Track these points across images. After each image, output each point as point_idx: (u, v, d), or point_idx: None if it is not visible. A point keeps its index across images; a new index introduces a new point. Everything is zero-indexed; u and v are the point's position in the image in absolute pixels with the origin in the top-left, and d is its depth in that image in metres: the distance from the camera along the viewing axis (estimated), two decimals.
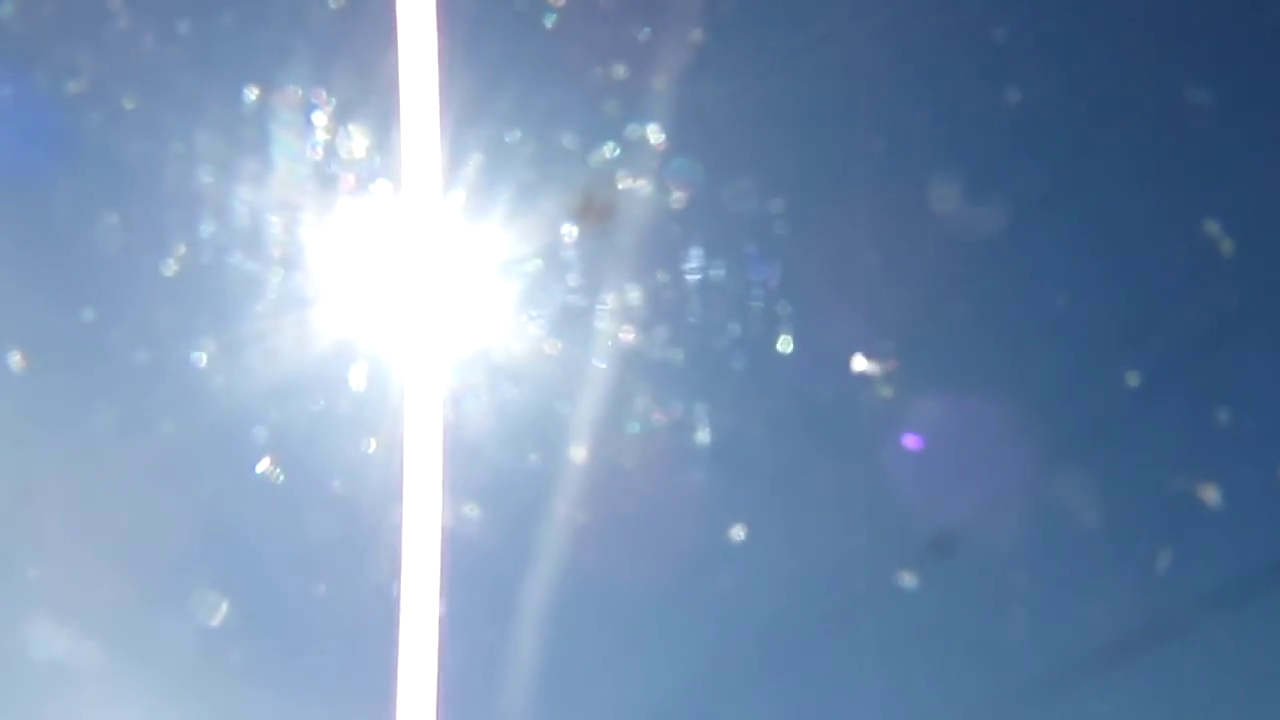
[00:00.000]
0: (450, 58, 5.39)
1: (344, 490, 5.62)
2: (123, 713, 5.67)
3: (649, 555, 5.72)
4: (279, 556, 5.66)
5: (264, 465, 5.59)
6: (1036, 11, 5.85)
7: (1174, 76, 5.85)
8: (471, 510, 5.62)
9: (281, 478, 5.62)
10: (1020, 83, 5.83)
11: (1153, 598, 5.80)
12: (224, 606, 5.57)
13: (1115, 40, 5.91)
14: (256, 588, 5.65)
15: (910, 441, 5.80)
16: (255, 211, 5.66)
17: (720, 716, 5.89)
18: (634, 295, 5.75)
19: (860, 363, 5.82)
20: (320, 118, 5.68)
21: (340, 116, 5.67)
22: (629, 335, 5.74)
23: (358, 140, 5.67)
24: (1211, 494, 5.67)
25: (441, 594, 5.20)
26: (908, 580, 5.72)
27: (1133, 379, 5.82)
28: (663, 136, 5.72)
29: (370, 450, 5.56)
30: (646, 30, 5.73)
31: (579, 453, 5.72)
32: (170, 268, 5.70)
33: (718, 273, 5.77)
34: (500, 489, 5.69)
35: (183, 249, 5.70)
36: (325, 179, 5.67)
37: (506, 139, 5.68)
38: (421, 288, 5.53)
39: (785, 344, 5.78)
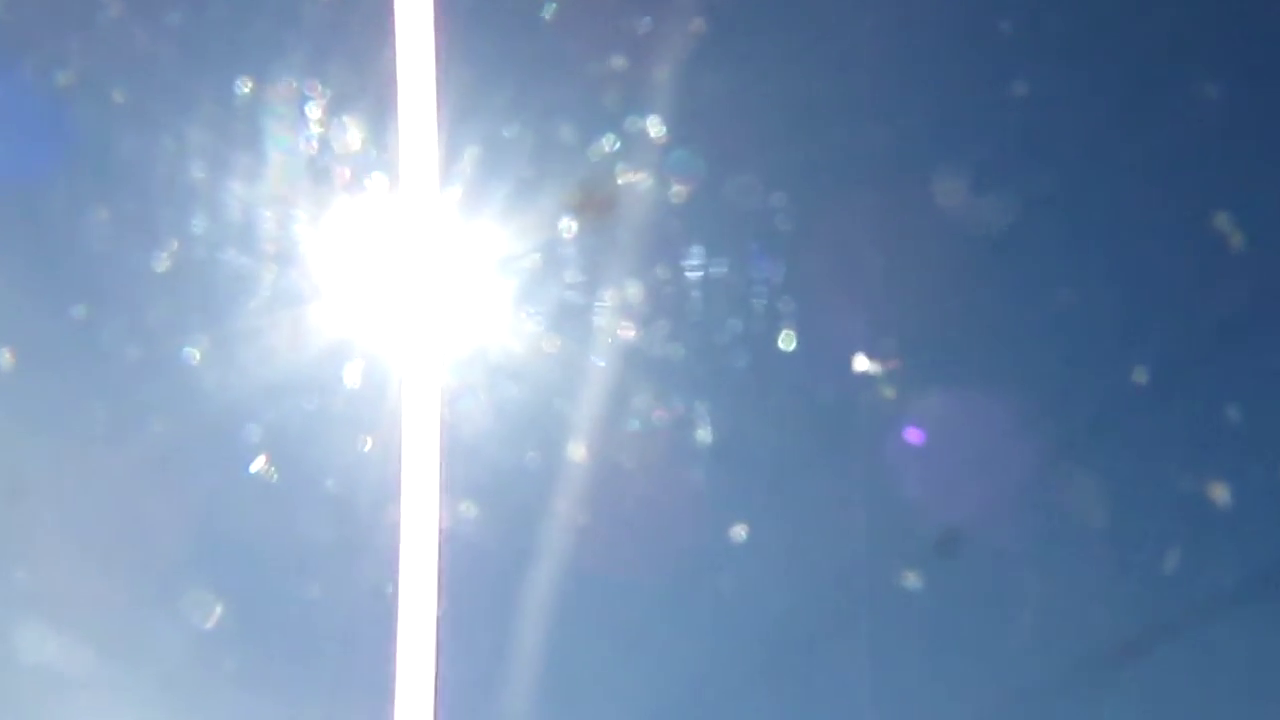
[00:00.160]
0: (448, 49, 5.34)
1: (339, 490, 5.54)
2: (113, 717, 5.58)
3: (650, 556, 5.64)
4: (273, 557, 5.59)
5: (257, 464, 5.51)
6: (1047, 2, 5.78)
7: (1187, 68, 5.81)
8: (470, 510, 5.53)
9: (275, 477, 5.54)
10: (1031, 75, 5.77)
11: (1162, 598, 5.73)
12: (217, 609, 5.48)
13: (1129, 31, 5.86)
14: (250, 589, 5.57)
15: (914, 437, 5.71)
16: (248, 206, 5.60)
17: None
18: (634, 291, 5.68)
19: (865, 361, 5.74)
20: (314, 110, 5.62)
21: (335, 109, 5.61)
22: (629, 332, 5.67)
23: (353, 134, 5.61)
24: (1222, 493, 5.60)
25: (440, 595, 5.12)
26: (914, 581, 5.65)
27: (1142, 376, 5.75)
28: (664, 130, 5.66)
29: (366, 449, 5.48)
30: (648, 21, 5.66)
31: (578, 451, 5.64)
32: (161, 263, 5.63)
33: (720, 269, 5.70)
34: (499, 488, 5.61)
35: (174, 244, 5.64)
36: (320, 173, 5.62)
37: (505, 132, 5.61)
38: (418, 284, 5.45)
39: (789, 341, 5.70)
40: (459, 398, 5.51)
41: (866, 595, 5.72)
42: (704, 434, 5.66)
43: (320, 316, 5.61)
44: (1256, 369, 5.84)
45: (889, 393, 5.72)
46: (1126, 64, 5.87)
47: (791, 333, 5.68)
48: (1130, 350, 5.78)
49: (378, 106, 5.49)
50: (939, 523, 5.69)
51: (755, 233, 5.73)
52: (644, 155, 5.66)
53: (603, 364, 5.64)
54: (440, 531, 5.17)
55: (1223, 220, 5.68)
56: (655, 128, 5.65)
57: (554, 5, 5.64)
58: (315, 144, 5.60)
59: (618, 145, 5.65)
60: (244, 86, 5.62)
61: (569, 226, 5.63)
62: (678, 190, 5.67)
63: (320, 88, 5.61)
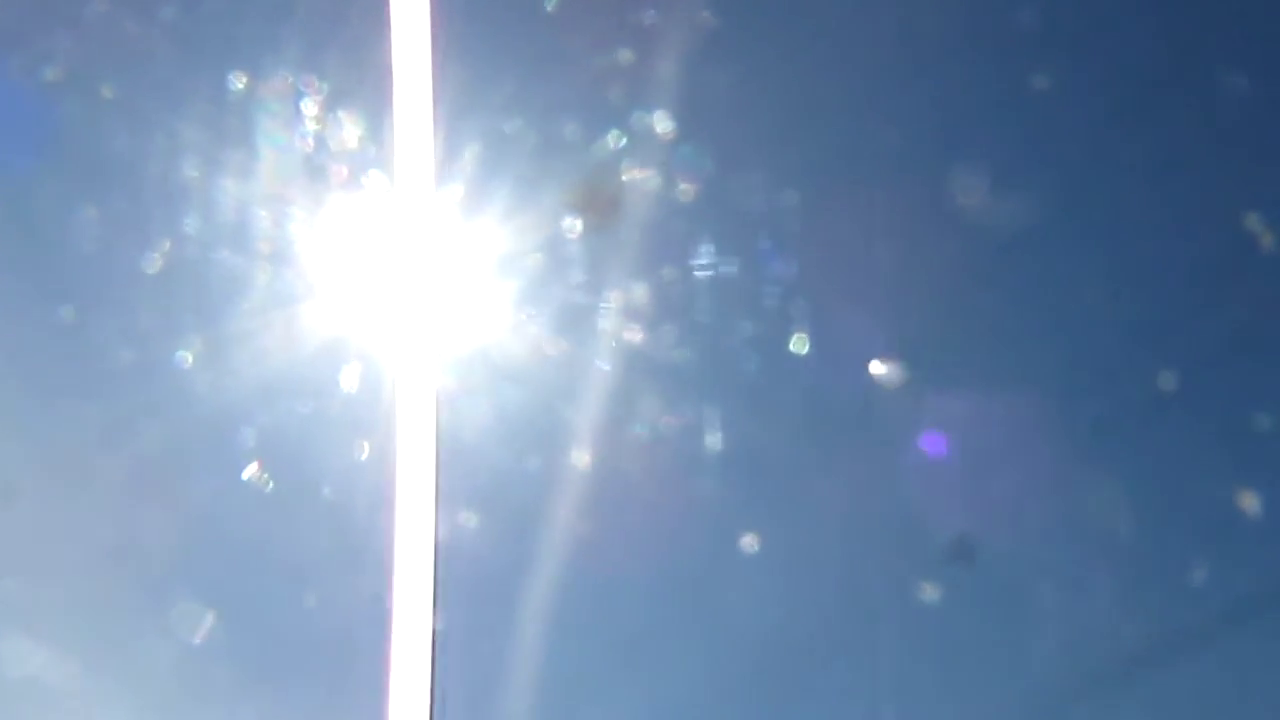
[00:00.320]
0: (445, 42, 5.22)
1: (332, 497, 5.40)
2: None
3: (657, 567, 5.52)
4: (263, 566, 5.45)
5: (248, 471, 5.35)
6: None
7: (1207, 61, 5.72)
8: (468, 519, 5.39)
9: (266, 483, 5.40)
10: (1049, 68, 5.65)
11: (1183, 608, 5.61)
12: (205, 620, 5.33)
13: (1147, 22, 5.76)
14: (239, 600, 5.41)
15: (931, 444, 5.54)
16: (239, 204, 5.48)
17: None
18: (640, 293, 5.55)
19: (879, 365, 5.61)
20: (309, 106, 5.52)
21: (330, 105, 5.50)
22: (634, 334, 5.54)
23: (348, 130, 5.51)
24: (1246, 500, 5.48)
25: (436, 608, 4.94)
26: (929, 591, 5.51)
27: (1166, 380, 5.62)
28: (671, 125, 5.53)
29: (361, 455, 5.34)
30: (653, 13, 5.55)
31: (582, 459, 5.50)
32: (151, 263, 5.51)
33: (729, 269, 5.57)
34: (498, 497, 5.48)
35: (164, 243, 5.52)
36: (314, 170, 5.50)
37: (504, 128, 5.50)
38: (415, 285, 5.30)
39: (801, 344, 5.55)
40: (456, 402, 5.38)
41: (877, 605, 5.60)
42: (712, 441, 5.52)
43: (314, 317, 5.48)
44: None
45: (903, 397, 5.60)
46: (1154, 53, 5.77)
47: (805, 335, 5.55)
48: (1156, 352, 5.68)
49: (373, 102, 5.38)
50: (953, 530, 5.55)
51: (767, 231, 5.61)
52: (649, 152, 5.54)
53: (606, 367, 5.52)
54: (436, 541, 4.99)
55: (1253, 220, 5.59)
56: (661, 123, 5.53)
57: None
58: (310, 140, 5.50)
59: (622, 141, 5.53)
60: (237, 81, 5.52)
61: (571, 225, 5.51)
62: (686, 187, 5.55)
63: (315, 82, 5.51)
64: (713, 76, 5.58)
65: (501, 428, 5.50)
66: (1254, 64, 5.68)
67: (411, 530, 5.05)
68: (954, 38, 5.69)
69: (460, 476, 5.23)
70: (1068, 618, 5.53)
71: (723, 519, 5.53)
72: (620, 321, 5.51)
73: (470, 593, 5.18)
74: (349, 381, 5.41)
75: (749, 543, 5.46)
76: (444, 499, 5.09)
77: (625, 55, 5.56)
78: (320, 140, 5.48)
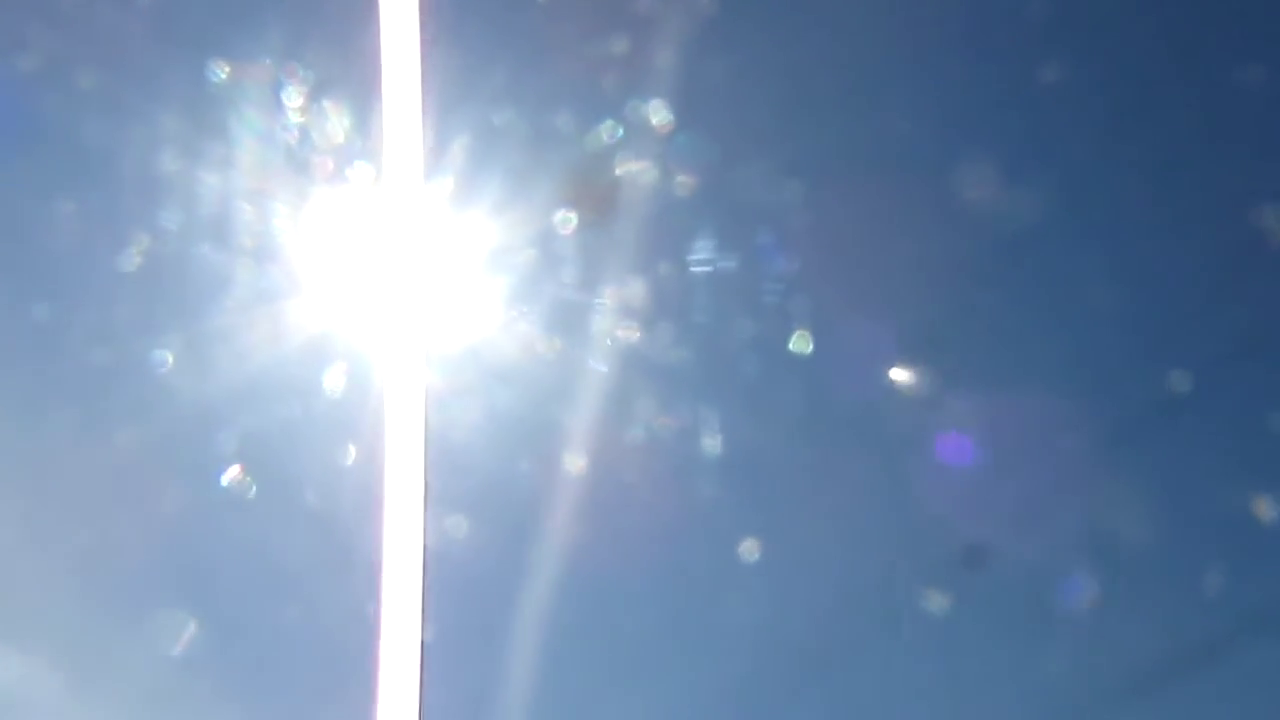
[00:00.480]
0: (435, 31, 5.04)
1: (317, 502, 5.24)
2: None
3: (654, 575, 5.38)
4: (244, 575, 5.27)
5: (230, 475, 5.18)
6: None
7: (1227, 52, 5.58)
8: (457, 525, 5.23)
9: (249, 489, 5.22)
10: (1065, 55, 5.51)
11: (1204, 617, 5.46)
12: (183, 631, 5.15)
13: (1164, 14, 5.63)
14: (218, 609, 5.23)
15: (949, 449, 5.36)
16: (221, 198, 5.31)
17: None
18: (637, 290, 5.39)
19: (894, 370, 5.49)
20: (293, 96, 5.34)
21: (315, 95, 5.33)
22: (630, 333, 5.38)
23: (334, 120, 5.33)
24: (1266, 508, 5.33)
25: (424, 618, 4.76)
26: (935, 599, 5.36)
27: (1184, 382, 5.48)
28: (668, 116, 5.36)
29: (347, 458, 5.18)
30: (648, 1, 5.38)
31: (576, 462, 5.34)
32: (129, 259, 5.35)
33: (728, 265, 5.42)
34: (489, 502, 5.32)
35: (143, 239, 5.36)
36: (299, 163, 5.33)
37: (496, 119, 5.34)
38: (404, 282, 5.15)
39: (803, 343, 5.38)
40: (447, 405, 5.23)
41: (882, 614, 5.47)
42: (713, 444, 5.37)
43: (299, 315, 5.31)
44: None
45: (914, 399, 5.47)
46: (1173, 42, 5.61)
47: (807, 334, 5.40)
48: (1174, 354, 5.55)
49: (360, 92, 5.22)
50: (959, 533, 5.42)
51: (768, 226, 5.47)
52: (645, 144, 5.39)
53: (601, 367, 5.37)
54: (425, 548, 4.83)
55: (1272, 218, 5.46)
56: (657, 115, 5.37)
57: None
58: (294, 132, 5.33)
59: (617, 134, 5.37)
60: (218, 72, 5.34)
61: (564, 220, 5.36)
62: (684, 180, 5.40)
63: (300, 72, 5.34)
64: (711, 66, 5.43)
65: (493, 429, 5.36)
66: (1273, 59, 5.54)
67: (399, 537, 4.90)
68: (963, 25, 5.56)
69: (450, 480, 5.11)
70: (1086, 628, 5.39)
71: (722, 525, 5.40)
72: (615, 320, 5.37)
73: (460, 602, 5.05)
74: (335, 381, 5.26)
75: (749, 549, 5.32)
76: (433, 504, 4.95)
77: (620, 44, 5.41)
78: (305, 132, 5.32)
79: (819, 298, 5.45)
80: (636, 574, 5.33)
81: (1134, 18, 5.65)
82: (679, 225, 5.41)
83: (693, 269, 5.39)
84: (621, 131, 5.36)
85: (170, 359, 5.24)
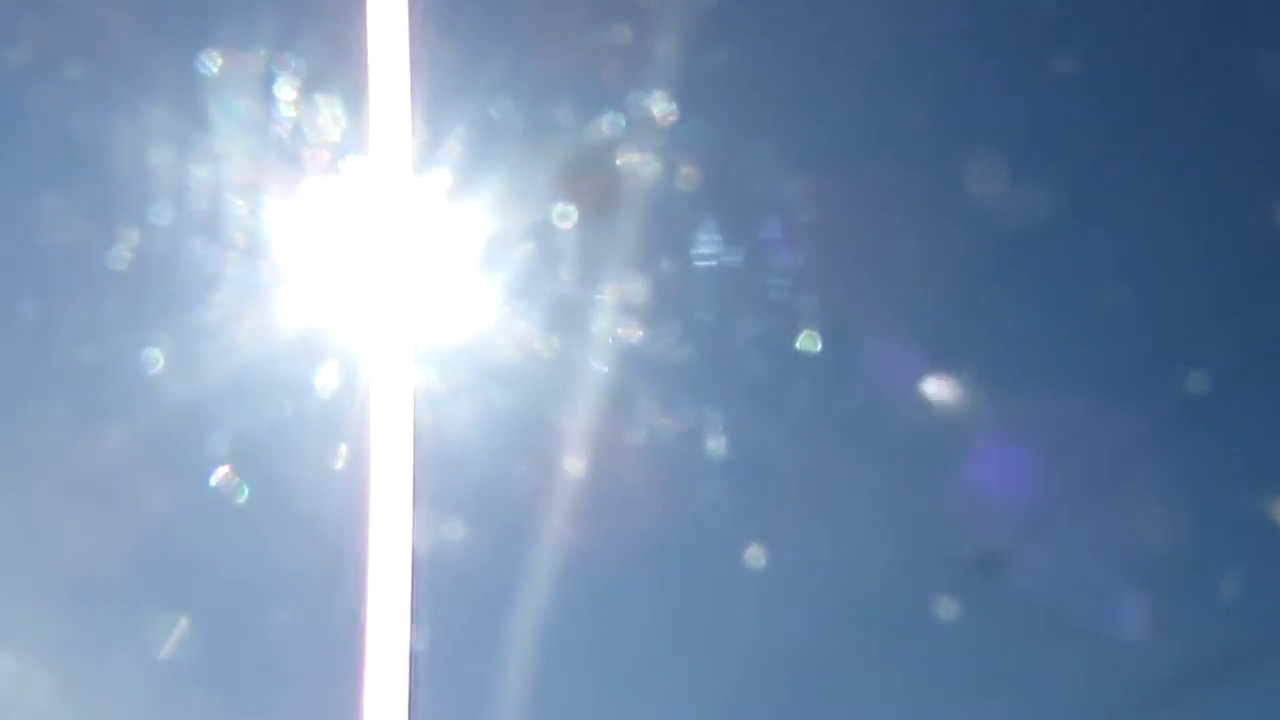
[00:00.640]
0: (426, 19, 4.94)
1: (304, 505, 5.07)
2: None
3: (656, 583, 5.23)
4: (229, 582, 5.09)
5: (214, 477, 5.01)
6: None
7: (1251, 45, 5.41)
8: (449, 530, 5.06)
9: (234, 489, 5.03)
10: (1084, 39, 5.39)
11: (1230, 628, 5.29)
12: (167, 634, 4.97)
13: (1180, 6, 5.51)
14: (199, 613, 5.03)
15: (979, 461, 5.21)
16: (209, 192, 5.15)
17: None
18: (638, 286, 5.23)
19: (896, 364, 5.34)
20: (281, 87, 5.18)
21: (304, 85, 5.17)
22: (632, 332, 5.22)
23: (325, 112, 5.16)
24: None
25: (414, 625, 4.62)
26: (952, 610, 5.19)
27: (1203, 383, 5.33)
28: (671, 105, 5.21)
29: (335, 459, 5.00)
30: None
31: (574, 466, 5.16)
32: (114, 254, 5.18)
33: (733, 260, 5.27)
34: (484, 507, 5.14)
35: (128, 233, 5.20)
36: (287, 156, 5.17)
37: (490, 110, 5.18)
38: (396, 278, 5.02)
39: (811, 342, 5.20)
40: (441, 405, 5.08)
41: (889, 622, 5.31)
42: (717, 446, 5.22)
43: (286, 312, 5.16)
44: None
45: (925, 399, 5.28)
46: (1194, 31, 5.48)
47: (815, 332, 5.24)
48: (1196, 353, 5.38)
49: (350, 83, 5.06)
50: (982, 544, 5.27)
51: (774, 219, 5.30)
52: (645, 135, 5.23)
53: (599, 366, 5.21)
54: (414, 552, 4.69)
55: None
56: (659, 105, 5.22)
57: None
58: (282, 124, 5.17)
59: (616, 124, 5.22)
60: (205, 61, 5.19)
61: (562, 214, 5.20)
62: (687, 172, 5.25)
63: (290, 63, 5.19)
64: (719, 53, 5.29)
65: (489, 433, 5.20)
66: None
67: (388, 540, 4.77)
68: (977, 13, 5.45)
69: (441, 483, 4.94)
70: (1104, 638, 5.21)
71: (725, 530, 5.23)
72: (615, 317, 5.22)
73: (452, 608, 4.83)
74: (322, 380, 5.09)
75: (753, 555, 5.15)
76: (423, 507, 4.82)
77: (620, 32, 5.26)
78: (294, 124, 5.17)
79: (830, 294, 5.29)
80: (636, 581, 5.21)
81: (1159, 9, 5.56)
82: (683, 218, 5.27)
83: (694, 264, 5.26)
84: (620, 123, 5.22)
85: (154, 355, 5.09)
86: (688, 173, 5.23)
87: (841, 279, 5.34)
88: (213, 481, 4.96)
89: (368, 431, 4.83)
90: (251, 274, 5.12)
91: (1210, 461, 5.46)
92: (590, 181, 5.22)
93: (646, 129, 5.22)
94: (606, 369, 5.19)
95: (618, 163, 5.22)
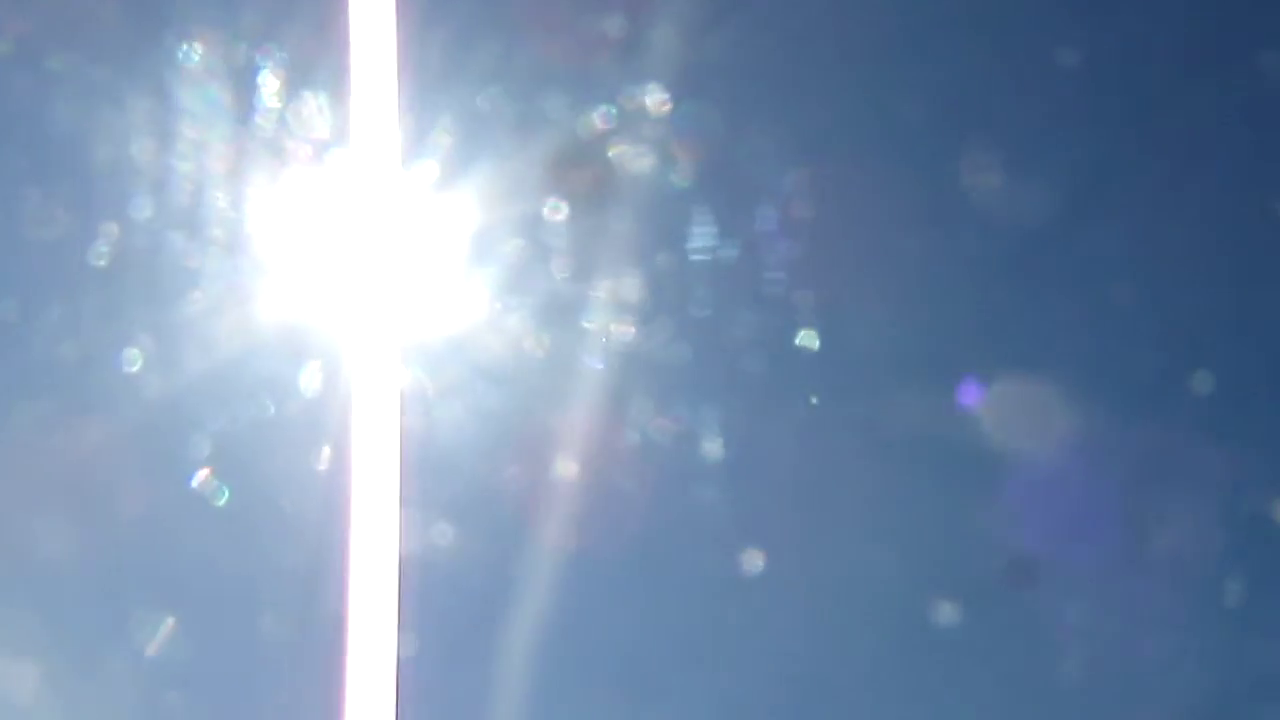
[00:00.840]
0: (412, 6, 4.87)
1: (288, 508, 4.89)
2: None
3: (651, 589, 5.06)
4: (208, 586, 4.88)
5: (194, 478, 4.85)
6: None
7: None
8: (438, 534, 4.89)
9: (213, 493, 4.87)
10: (1100, 25, 5.29)
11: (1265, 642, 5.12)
12: (143, 643, 4.81)
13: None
14: (181, 622, 4.85)
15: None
16: (187, 184, 5.00)
17: None
18: (632, 282, 5.09)
19: (896, 362, 5.21)
20: (264, 78, 5.03)
21: (287, 73, 5.02)
22: (627, 329, 5.07)
23: (307, 102, 5.01)
24: None
25: (400, 633, 4.50)
26: (956, 619, 5.04)
27: (1226, 383, 5.21)
28: (665, 97, 5.08)
29: (319, 460, 4.83)
30: None
31: (567, 468, 5.00)
32: (91, 249, 5.01)
33: (730, 254, 5.12)
34: (473, 510, 4.96)
35: (105, 228, 5.03)
36: (269, 147, 5.01)
37: (480, 100, 5.04)
38: (382, 274, 4.89)
39: (809, 339, 5.07)
40: (430, 404, 4.93)
41: (909, 638, 5.14)
42: (714, 447, 5.07)
43: (269, 308, 5.00)
44: None
45: (929, 397, 5.16)
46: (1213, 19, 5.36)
47: (814, 329, 5.10)
48: (1222, 352, 5.29)
49: (333, 72, 4.93)
50: (965, 538, 5.14)
51: (772, 212, 5.16)
52: (638, 126, 5.10)
53: (591, 364, 5.05)
54: (401, 557, 4.59)
55: None
56: (654, 95, 5.08)
57: None
58: (265, 115, 5.02)
59: (608, 115, 5.08)
60: (186, 52, 5.05)
61: (554, 207, 5.05)
62: (683, 163, 5.11)
63: (272, 52, 5.06)
64: (716, 40, 5.16)
65: (479, 433, 5.03)
66: None
67: (374, 544, 4.63)
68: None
69: (428, 484, 4.79)
70: (1133, 653, 5.08)
71: (728, 535, 5.05)
72: (610, 313, 5.08)
73: (440, 614, 4.70)
74: (307, 378, 4.93)
75: (757, 561, 4.99)
76: (410, 509, 4.69)
77: (616, 19, 5.14)
78: (277, 115, 5.03)
79: (830, 290, 5.15)
80: (633, 586, 5.05)
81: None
82: (679, 211, 5.13)
83: (694, 258, 5.11)
84: (611, 114, 5.09)
85: (133, 352, 4.94)
86: (681, 166, 5.11)
87: (843, 275, 5.17)
88: (192, 483, 4.81)
89: (354, 431, 4.71)
90: (234, 269, 4.99)
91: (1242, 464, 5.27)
92: (581, 174, 5.10)
93: (638, 121, 5.10)
94: (598, 366, 5.05)
95: (609, 155, 5.11)
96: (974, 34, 5.34)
